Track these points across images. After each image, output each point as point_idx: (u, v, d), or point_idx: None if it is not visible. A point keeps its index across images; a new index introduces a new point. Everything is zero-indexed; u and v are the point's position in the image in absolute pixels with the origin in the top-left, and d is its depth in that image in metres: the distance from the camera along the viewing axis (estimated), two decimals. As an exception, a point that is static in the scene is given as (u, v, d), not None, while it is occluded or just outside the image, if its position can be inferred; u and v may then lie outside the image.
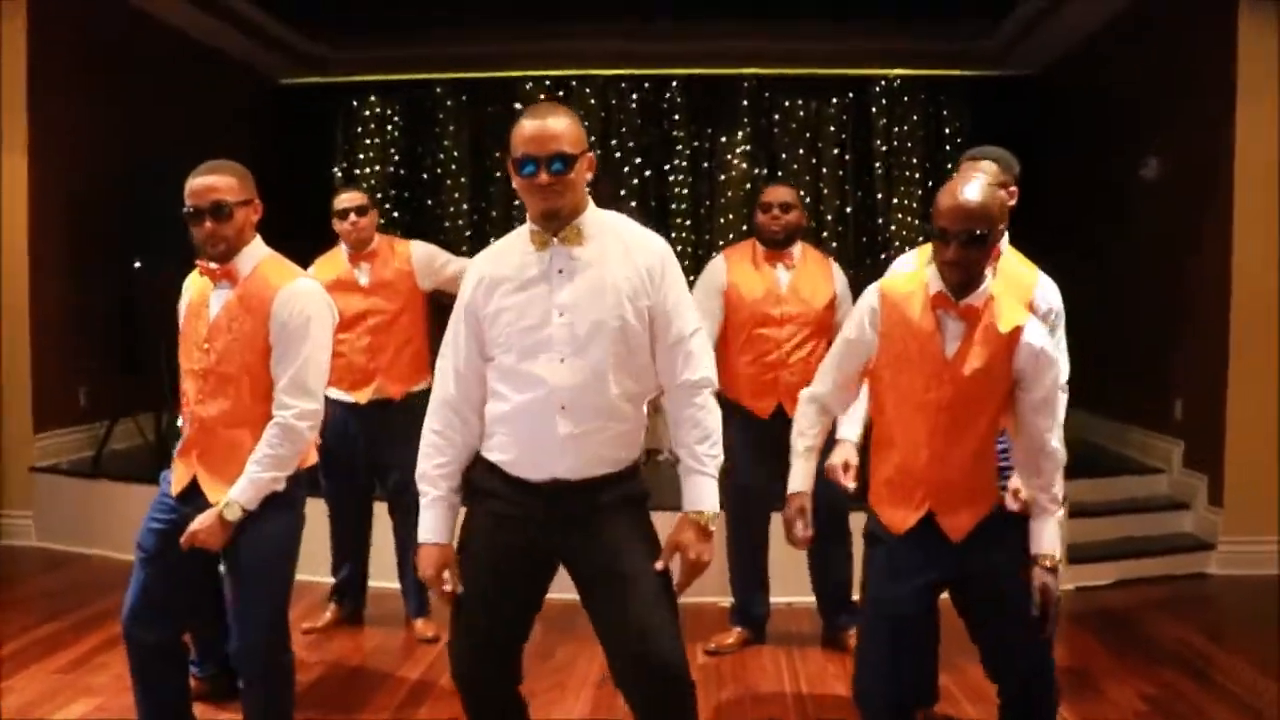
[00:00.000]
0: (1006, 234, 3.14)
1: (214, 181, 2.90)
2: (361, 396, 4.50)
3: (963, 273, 2.58)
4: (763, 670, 4.33)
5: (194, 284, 3.05)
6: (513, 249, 2.55)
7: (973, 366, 2.59)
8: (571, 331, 2.44)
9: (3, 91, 6.13)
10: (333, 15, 8.42)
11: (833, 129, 9.06)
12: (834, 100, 9.04)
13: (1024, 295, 3.09)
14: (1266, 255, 5.68)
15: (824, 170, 9.01)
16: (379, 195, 9.27)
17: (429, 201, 9.40)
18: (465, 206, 9.37)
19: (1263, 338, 5.68)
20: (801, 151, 9.04)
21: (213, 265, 2.93)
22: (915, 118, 8.99)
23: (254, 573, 2.90)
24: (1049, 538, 2.68)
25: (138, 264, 6.40)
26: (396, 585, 4.81)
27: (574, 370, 2.43)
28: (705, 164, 9.15)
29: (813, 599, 4.62)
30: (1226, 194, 5.76)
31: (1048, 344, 2.64)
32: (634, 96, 9.14)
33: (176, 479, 2.96)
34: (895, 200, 9.00)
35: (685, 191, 9.12)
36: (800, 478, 2.88)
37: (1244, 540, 5.67)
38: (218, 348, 2.90)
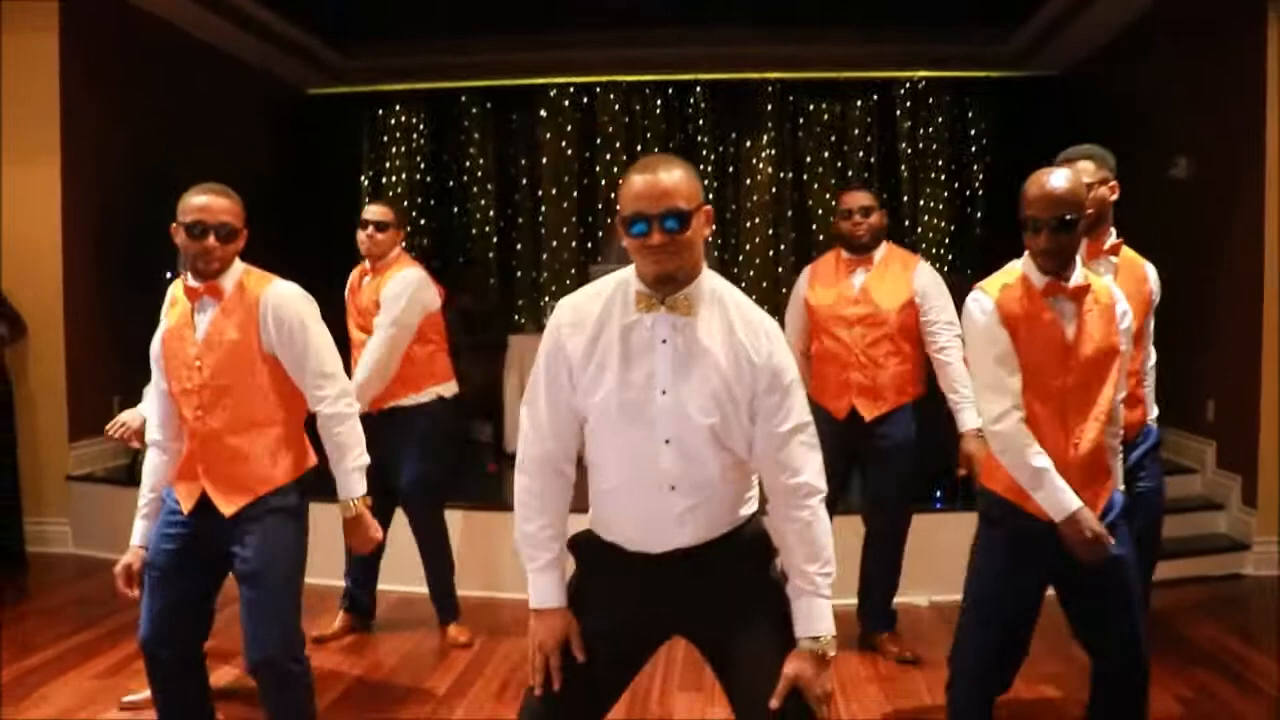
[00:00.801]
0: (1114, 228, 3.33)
1: (224, 204, 2.96)
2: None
3: (1056, 258, 2.70)
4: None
5: (171, 314, 3.06)
6: (612, 303, 2.32)
7: (1092, 343, 2.72)
8: (674, 411, 2.25)
9: (35, 103, 6.20)
10: (359, 26, 8.49)
11: (857, 132, 9.08)
12: (858, 103, 9.06)
13: (1140, 282, 3.25)
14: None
15: (849, 173, 9.02)
16: (404, 204, 9.33)
17: (455, 210, 9.46)
18: (491, 214, 9.43)
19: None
20: (826, 155, 9.06)
21: (195, 283, 2.97)
22: (940, 120, 9.00)
23: (267, 584, 2.93)
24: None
25: (169, 274, 6.45)
26: (401, 588, 4.80)
27: (680, 452, 2.27)
28: (730, 169, 9.18)
29: (845, 601, 4.61)
30: (1257, 194, 5.71)
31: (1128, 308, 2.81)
32: (658, 102, 9.19)
33: (184, 498, 3.00)
34: (921, 203, 9.00)
35: (710, 197, 9.12)
36: (1068, 494, 2.70)
37: (1278, 540, 5.63)
38: (210, 363, 2.95)
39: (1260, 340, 5.70)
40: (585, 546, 2.43)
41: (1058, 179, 2.71)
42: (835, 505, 4.38)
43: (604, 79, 9.15)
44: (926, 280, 4.34)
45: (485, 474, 7.09)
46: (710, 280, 2.32)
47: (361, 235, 4.56)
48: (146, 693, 3.19)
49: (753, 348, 2.27)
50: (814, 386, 4.39)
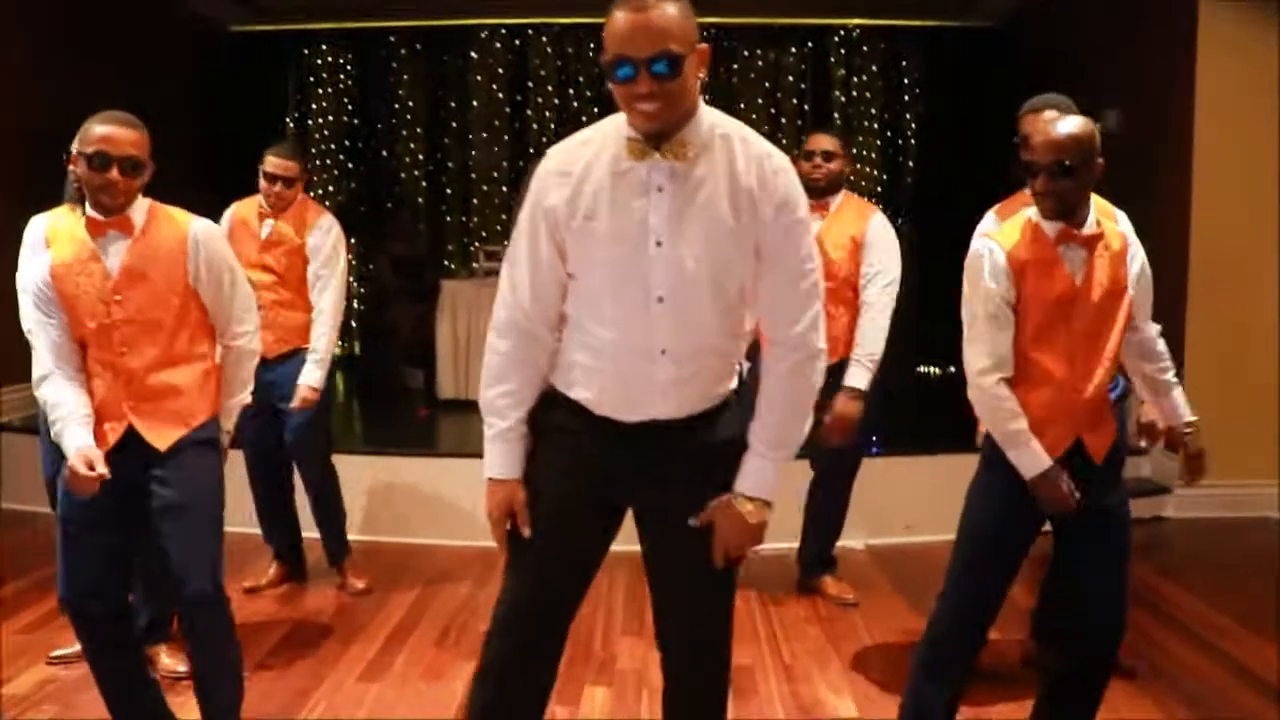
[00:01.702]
0: None
1: (130, 135, 2.78)
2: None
3: (1055, 204, 2.68)
4: (737, 612, 4.33)
5: (59, 247, 2.87)
6: (603, 148, 2.09)
7: (1101, 288, 2.72)
8: (670, 265, 2.05)
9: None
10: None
11: (790, 79, 9.07)
12: (792, 50, 9.03)
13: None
14: (1225, 207, 5.76)
15: (782, 121, 9.03)
16: (332, 145, 9.14)
17: (384, 153, 9.30)
18: (421, 158, 9.29)
19: (1221, 288, 5.76)
20: (760, 102, 9.04)
21: (99, 216, 2.83)
22: (874, 68, 9.01)
23: (195, 516, 2.85)
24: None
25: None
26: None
27: (674, 310, 2.07)
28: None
29: (778, 546, 4.65)
30: (1186, 147, 5.81)
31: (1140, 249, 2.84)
32: (590, 45, 9.07)
33: (102, 437, 2.82)
34: (854, 151, 9.01)
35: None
36: (1039, 454, 2.72)
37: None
38: (135, 296, 2.82)
39: (1185, 291, 5.82)
40: (544, 404, 2.25)
41: (1061, 124, 2.68)
42: None
43: (536, 20, 9.00)
44: (878, 232, 4.25)
45: (417, 420, 7.03)
46: (709, 117, 2.09)
47: (267, 188, 4.37)
48: (76, 647, 3.10)
49: (759, 181, 2.06)
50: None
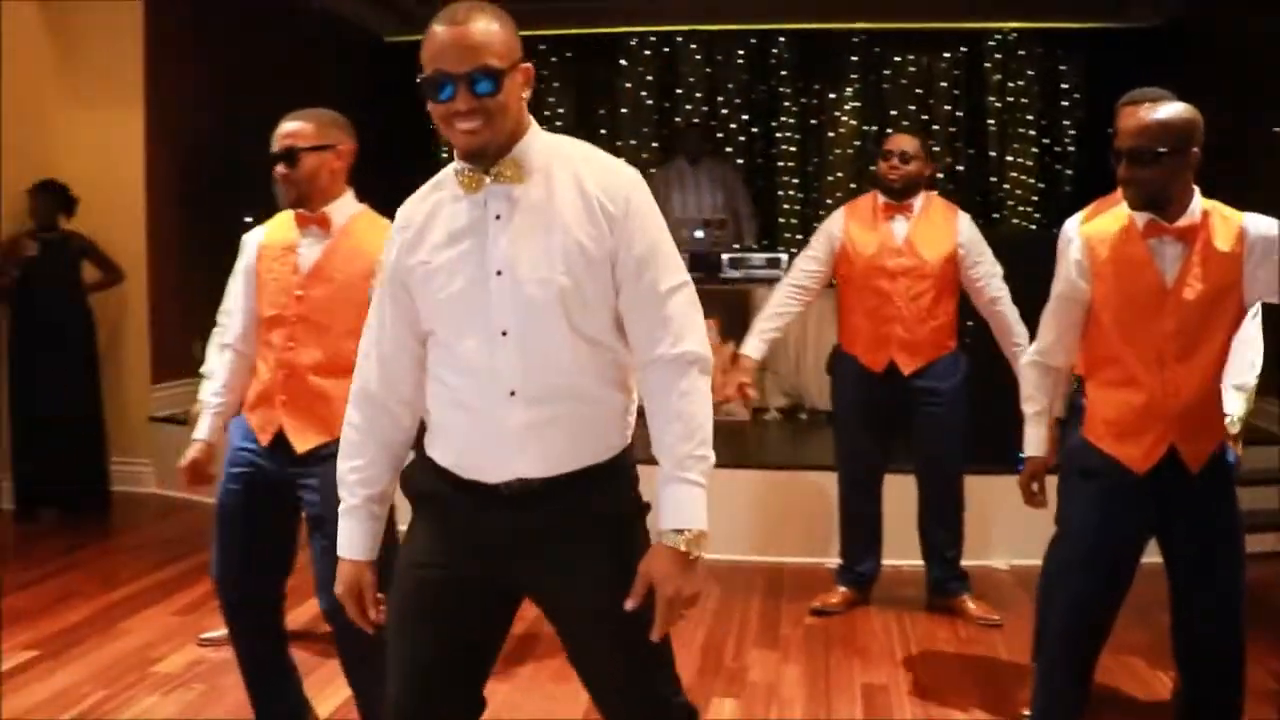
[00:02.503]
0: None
1: (290, 127, 2.89)
2: None
3: (1138, 193, 2.54)
4: (871, 632, 4.25)
5: (274, 230, 3.03)
6: (441, 193, 1.97)
7: (1196, 289, 2.55)
8: (511, 294, 1.87)
9: (119, 52, 6.26)
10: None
11: (945, 84, 8.85)
12: (946, 54, 8.82)
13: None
14: None
15: (935, 127, 8.81)
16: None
17: (533, 159, 9.37)
18: (569, 164, 9.34)
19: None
20: (913, 108, 8.84)
21: (303, 211, 2.92)
22: (1031, 73, 8.71)
23: (333, 531, 2.90)
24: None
25: (247, 219, 6.50)
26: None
27: (519, 344, 1.88)
28: (813, 121, 9.00)
29: (920, 563, 4.53)
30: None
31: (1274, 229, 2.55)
32: (739, 52, 9.01)
33: (260, 427, 2.92)
34: (1009, 158, 8.75)
35: (793, 149, 8.99)
36: (1034, 442, 2.81)
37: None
38: (315, 295, 2.88)
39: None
40: (412, 470, 2.08)
41: (1150, 109, 2.55)
42: (882, 466, 4.39)
43: (686, 28, 9.00)
44: (970, 232, 4.26)
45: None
46: (539, 139, 1.94)
47: None
48: (224, 630, 3.22)
49: (609, 196, 1.89)
50: (845, 337, 4.34)
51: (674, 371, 1.90)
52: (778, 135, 9.00)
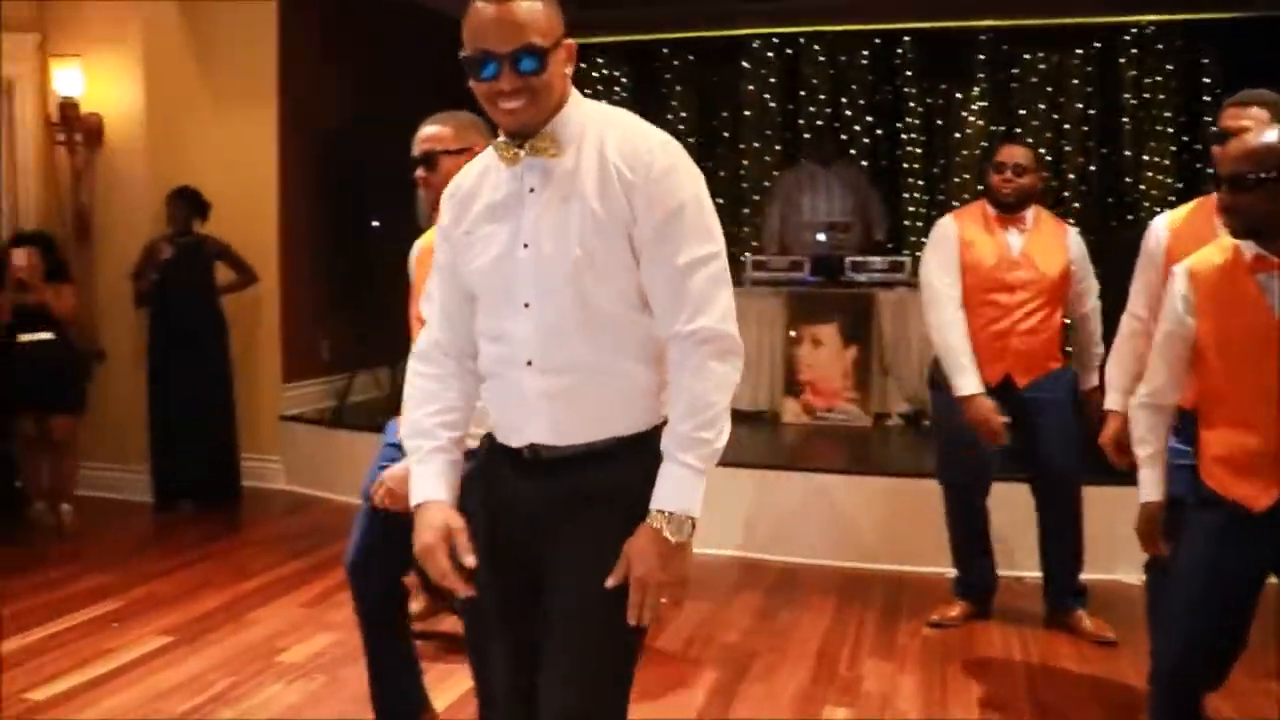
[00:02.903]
0: None
1: (430, 131, 2.94)
2: None
3: (1236, 221, 2.40)
4: (990, 646, 4.15)
5: (428, 238, 3.05)
6: (488, 164, 1.99)
7: None
8: (535, 267, 1.88)
9: (254, 59, 6.49)
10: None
11: (1076, 82, 8.56)
12: (1078, 51, 8.53)
13: None
14: None
15: (1066, 127, 8.54)
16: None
17: (655, 163, 9.39)
18: (693, 169, 9.33)
19: None
20: (1042, 107, 8.58)
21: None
22: (1169, 67, 8.38)
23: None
24: None
25: (375, 223, 6.68)
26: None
27: (538, 315, 1.88)
28: (939, 122, 8.82)
29: (1023, 574, 4.43)
30: None
31: None
32: (864, 53, 8.89)
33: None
34: (1145, 158, 8.43)
35: (918, 151, 8.82)
36: (1149, 485, 2.71)
37: None
38: None
39: None
40: (480, 443, 2.07)
41: (1256, 132, 2.41)
42: (990, 479, 4.27)
43: (809, 29, 8.90)
44: (1080, 248, 4.26)
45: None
46: (579, 111, 1.92)
47: None
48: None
49: (629, 165, 1.84)
50: None
51: (687, 348, 1.85)
52: (902, 137, 8.85)
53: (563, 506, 1.90)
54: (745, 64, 9.10)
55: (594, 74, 9.48)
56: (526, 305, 1.88)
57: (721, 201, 9.24)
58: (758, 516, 5.32)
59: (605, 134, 1.87)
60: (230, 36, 6.53)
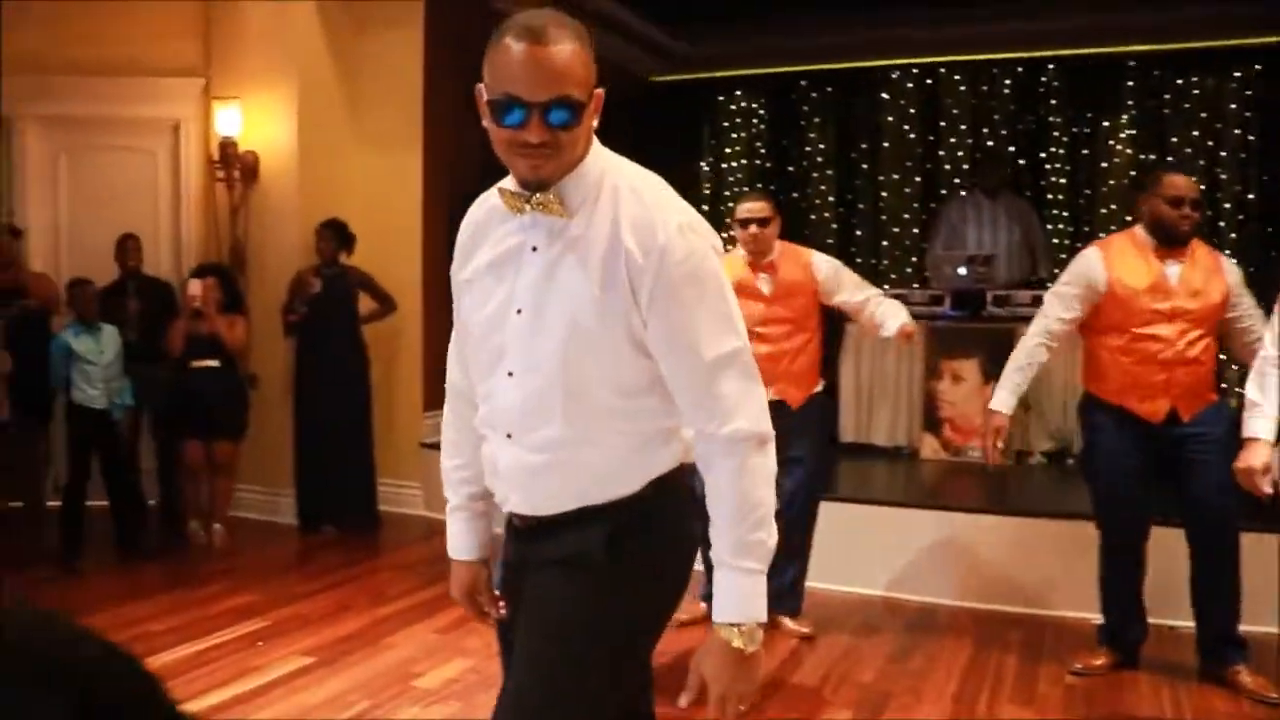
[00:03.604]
0: None
1: None
2: None
3: None
4: (1138, 698, 3.96)
5: None
6: (496, 205, 1.85)
7: None
8: (522, 337, 1.76)
9: (400, 97, 6.71)
10: (700, 12, 8.57)
11: (1234, 107, 8.22)
12: (1237, 74, 8.19)
13: None
14: None
15: (1222, 154, 8.21)
16: (744, 189, 9.36)
17: (794, 195, 9.39)
18: (831, 199, 9.29)
19: None
20: (1196, 134, 8.26)
21: None
22: (1339, 89, 7.97)
23: None
24: None
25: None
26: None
27: (521, 388, 1.78)
28: (1084, 151, 8.58)
29: (1176, 623, 4.24)
30: None
31: None
32: (1006, 82, 8.72)
33: None
34: (1310, 186, 8.03)
35: (1063, 181, 8.61)
36: None
37: None
38: None
39: None
40: None
41: None
42: (1149, 521, 4.11)
43: (948, 59, 8.78)
44: (1238, 276, 4.08)
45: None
46: (599, 164, 1.77)
47: (744, 234, 4.50)
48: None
49: (641, 247, 1.68)
50: (1107, 385, 4.06)
51: (726, 452, 1.73)
52: (1046, 167, 8.63)
53: (532, 568, 1.85)
54: (884, 95, 9.02)
55: (731, 106, 9.52)
56: (511, 374, 1.79)
57: (859, 234, 9.15)
58: (894, 555, 5.22)
59: (621, 202, 1.73)
60: (378, 79, 6.78)
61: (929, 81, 8.93)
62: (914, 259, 8.92)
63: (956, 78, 8.83)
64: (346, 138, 6.79)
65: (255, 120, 6.57)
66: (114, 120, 6.68)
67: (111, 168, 6.77)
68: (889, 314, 4.51)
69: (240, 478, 6.38)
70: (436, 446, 6.68)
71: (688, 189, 8.63)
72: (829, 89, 9.22)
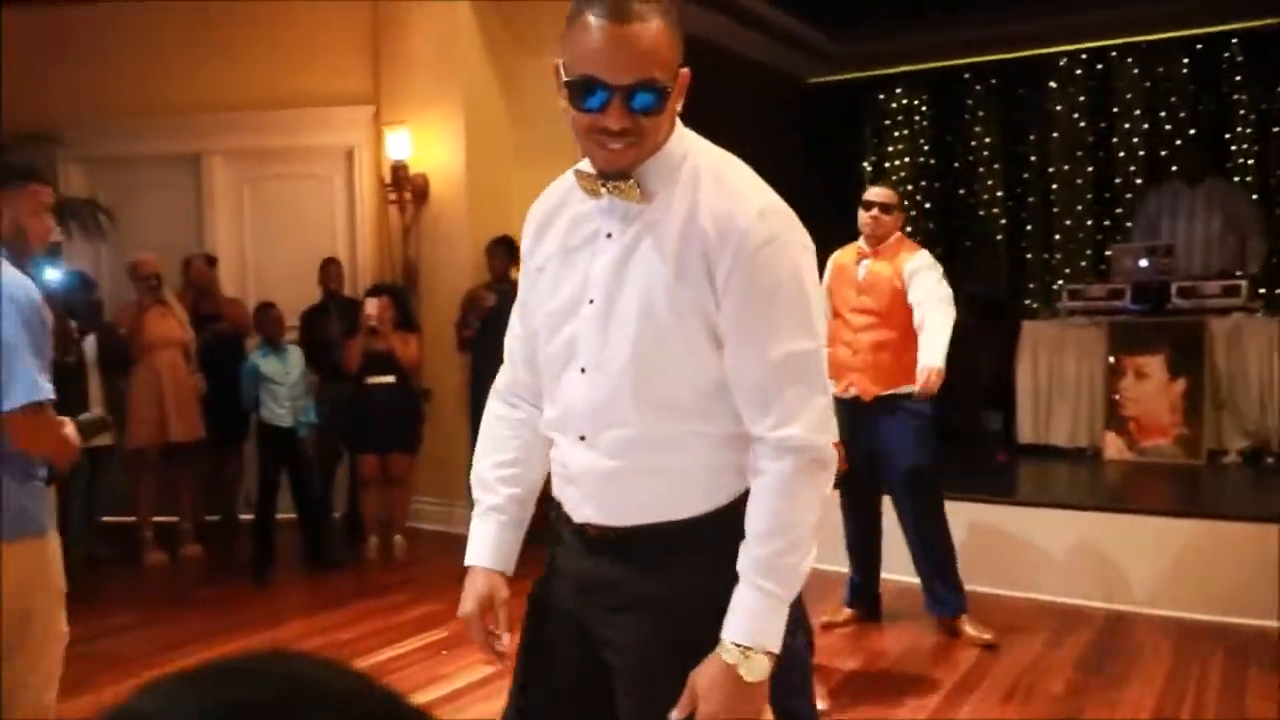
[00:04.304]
0: None
1: None
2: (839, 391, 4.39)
3: None
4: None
5: None
6: (570, 190, 1.74)
7: None
8: (597, 329, 1.64)
9: (546, 110, 6.78)
10: (856, 12, 8.46)
11: None
12: None
13: None
14: None
15: None
16: (908, 187, 9.21)
17: (960, 191, 9.19)
18: (999, 194, 9.05)
19: None
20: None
21: None
22: None
23: None
24: None
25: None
26: (903, 579, 4.74)
27: (594, 386, 1.65)
28: (1275, 129, 8.10)
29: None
30: None
31: None
32: (1184, 61, 8.32)
33: None
34: None
35: (1249, 163, 8.15)
36: None
37: None
38: None
39: None
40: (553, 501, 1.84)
41: None
42: None
43: (1121, 41, 8.43)
44: None
45: (994, 464, 6.82)
46: (680, 148, 1.65)
47: (865, 216, 4.51)
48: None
49: (719, 233, 1.56)
50: None
51: (773, 457, 1.59)
52: (1232, 149, 8.20)
53: (612, 597, 1.69)
54: (1052, 84, 8.73)
55: (892, 104, 9.37)
56: (583, 370, 1.66)
57: (1030, 229, 8.88)
58: (1078, 560, 5.02)
59: (701, 186, 1.62)
60: (540, 96, 6.87)
61: (1100, 66, 8.60)
62: (1088, 252, 8.60)
63: (1129, 60, 8.49)
64: (511, 156, 6.92)
65: (424, 143, 6.76)
66: (292, 150, 6.99)
67: (291, 195, 7.08)
68: (925, 346, 4.29)
69: (416, 490, 6.56)
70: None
71: (851, 190, 8.52)
72: (993, 80, 8.98)
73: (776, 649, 1.58)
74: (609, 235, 1.65)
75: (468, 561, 1.81)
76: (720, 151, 1.71)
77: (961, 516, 5.31)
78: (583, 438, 1.67)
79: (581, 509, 1.71)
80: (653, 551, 1.65)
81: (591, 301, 1.64)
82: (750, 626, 1.58)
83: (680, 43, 1.58)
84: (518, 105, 6.95)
